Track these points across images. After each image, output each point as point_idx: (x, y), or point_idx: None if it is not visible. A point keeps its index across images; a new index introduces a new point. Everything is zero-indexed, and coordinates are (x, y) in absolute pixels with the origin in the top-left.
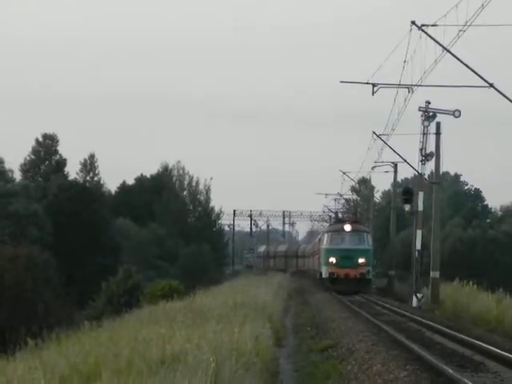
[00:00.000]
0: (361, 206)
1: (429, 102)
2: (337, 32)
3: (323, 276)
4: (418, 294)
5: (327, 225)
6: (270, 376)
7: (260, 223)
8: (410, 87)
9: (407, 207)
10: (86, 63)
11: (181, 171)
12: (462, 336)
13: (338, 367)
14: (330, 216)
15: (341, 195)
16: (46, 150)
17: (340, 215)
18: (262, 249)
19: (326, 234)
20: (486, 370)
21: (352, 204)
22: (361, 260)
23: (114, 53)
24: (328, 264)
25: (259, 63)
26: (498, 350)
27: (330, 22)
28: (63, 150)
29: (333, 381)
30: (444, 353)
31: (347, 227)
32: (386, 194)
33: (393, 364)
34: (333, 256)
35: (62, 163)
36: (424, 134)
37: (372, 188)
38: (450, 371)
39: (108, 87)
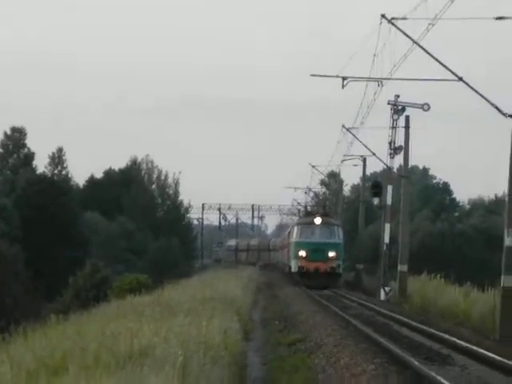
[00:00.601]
0: (330, 199)
1: (398, 96)
2: (306, 25)
3: (293, 270)
4: (386, 288)
5: (297, 218)
6: (238, 369)
7: (229, 217)
8: (379, 81)
9: (376, 201)
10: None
11: (149, 165)
12: (430, 329)
13: (307, 361)
14: (299, 210)
15: (310, 189)
16: (15, 143)
17: (309, 209)
18: (232, 242)
19: (295, 227)
20: (454, 363)
21: (321, 198)
22: (331, 254)
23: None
24: (298, 257)
25: (225, 56)
26: (465, 344)
27: (299, 15)
28: (31, 143)
29: (301, 374)
30: (411, 346)
31: (317, 220)
32: (355, 187)
33: (361, 357)
34: (303, 249)
35: (30, 157)
36: (393, 127)
37: (341, 182)
38: (418, 364)
39: (76, 80)
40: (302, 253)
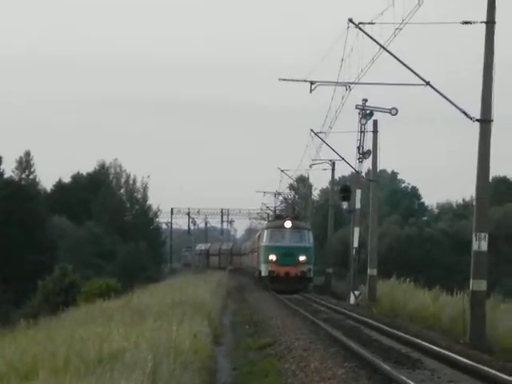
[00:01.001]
0: (299, 203)
1: (366, 100)
2: (274, 29)
3: (262, 274)
4: (355, 292)
5: (266, 222)
6: (208, 374)
7: (198, 221)
8: (347, 85)
9: (345, 205)
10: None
11: (118, 169)
12: (399, 333)
13: (277, 365)
14: (268, 214)
15: (279, 193)
16: None
17: (278, 212)
18: (202, 247)
19: (265, 231)
20: (423, 366)
21: (290, 202)
22: (302, 258)
23: (50, 44)
24: (268, 262)
25: (193, 58)
26: (435, 347)
27: (268, 19)
28: None
29: (271, 378)
30: (381, 350)
31: (287, 224)
32: (324, 191)
33: (331, 361)
34: (273, 253)
35: None
36: (361, 131)
37: (310, 186)
38: (388, 368)
39: (43, 84)
40: (272, 257)
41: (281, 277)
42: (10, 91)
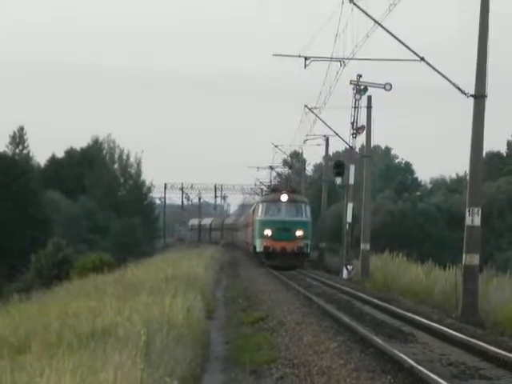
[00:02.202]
0: (293, 179)
1: (360, 76)
2: (269, 4)
3: (257, 250)
4: (348, 266)
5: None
6: (200, 348)
7: (191, 196)
8: (341, 60)
9: (338, 180)
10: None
11: (111, 144)
12: (392, 307)
13: (269, 339)
14: (262, 189)
15: (272, 168)
16: None
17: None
18: (195, 222)
19: (260, 204)
20: (415, 340)
21: (284, 177)
22: (299, 233)
23: (43, 22)
24: (263, 237)
25: (191, 34)
26: (427, 321)
27: None
28: None
29: (264, 352)
30: (374, 324)
31: (284, 197)
32: (317, 167)
33: (323, 335)
34: (268, 228)
35: None
36: (355, 107)
37: (304, 161)
38: (380, 342)
39: (36, 56)
40: (268, 232)
41: (277, 252)
42: (2, 65)
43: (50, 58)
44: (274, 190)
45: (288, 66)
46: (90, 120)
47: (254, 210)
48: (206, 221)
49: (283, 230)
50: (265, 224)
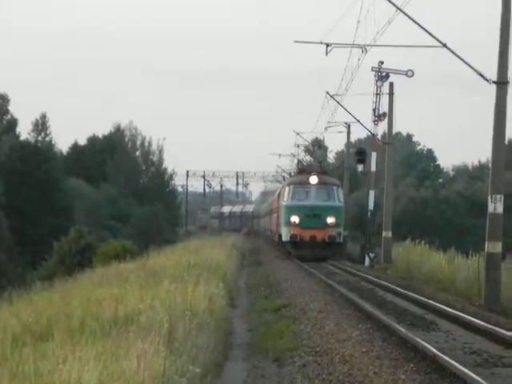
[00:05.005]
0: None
1: (382, 62)
2: None
3: (283, 239)
4: (370, 254)
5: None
6: (223, 336)
7: (213, 184)
8: (363, 47)
9: (360, 168)
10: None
11: (133, 131)
12: (414, 295)
13: (291, 327)
14: (284, 176)
15: (294, 155)
16: None
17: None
18: (217, 209)
19: (287, 188)
20: (438, 328)
21: (305, 164)
22: (330, 220)
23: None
24: (289, 224)
25: (207, 25)
26: (450, 309)
27: None
28: (14, 109)
29: (286, 340)
30: (396, 312)
31: (313, 179)
32: (339, 154)
33: (345, 323)
34: (295, 214)
35: (13, 123)
36: (377, 94)
37: (325, 148)
38: (402, 330)
39: (61, 49)
40: (295, 218)
41: (305, 242)
42: (26, 54)
43: (74, 51)
44: (302, 171)
45: (309, 52)
46: (112, 107)
47: (279, 195)
48: (228, 208)
49: (313, 216)
50: (292, 210)
